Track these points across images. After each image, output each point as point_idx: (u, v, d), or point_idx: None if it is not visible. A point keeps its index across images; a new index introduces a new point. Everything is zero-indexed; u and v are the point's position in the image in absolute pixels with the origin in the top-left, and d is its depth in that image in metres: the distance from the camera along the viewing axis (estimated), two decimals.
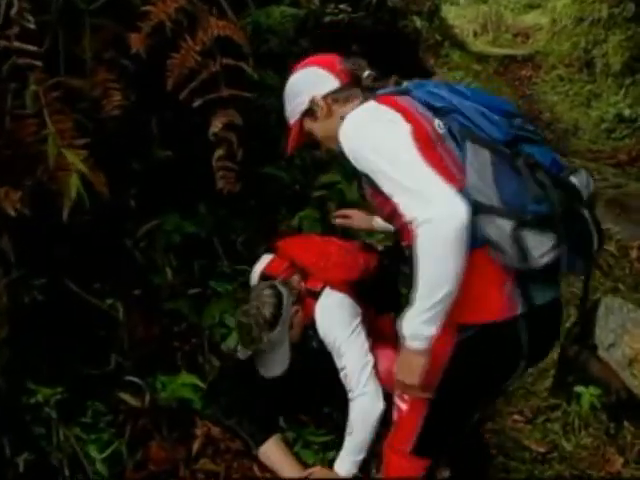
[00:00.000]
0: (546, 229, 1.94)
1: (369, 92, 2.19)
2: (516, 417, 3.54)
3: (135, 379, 2.75)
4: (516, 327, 2.00)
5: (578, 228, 1.98)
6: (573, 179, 2.01)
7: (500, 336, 2.02)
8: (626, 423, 3.48)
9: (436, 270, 1.84)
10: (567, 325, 4.08)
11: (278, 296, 2.68)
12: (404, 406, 2.17)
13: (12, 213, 2.12)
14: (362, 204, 4.16)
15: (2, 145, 2.18)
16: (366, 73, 2.26)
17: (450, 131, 2.00)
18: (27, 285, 2.48)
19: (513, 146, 2.00)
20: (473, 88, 2.25)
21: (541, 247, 1.93)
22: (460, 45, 10.82)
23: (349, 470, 2.63)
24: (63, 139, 2.26)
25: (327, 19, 5.15)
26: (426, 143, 1.95)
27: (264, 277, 2.84)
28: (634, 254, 4.95)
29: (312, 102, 2.24)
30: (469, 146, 1.97)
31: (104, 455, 2.50)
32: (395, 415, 2.24)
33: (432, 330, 1.89)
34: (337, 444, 2.84)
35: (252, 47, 2.75)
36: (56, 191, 2.29)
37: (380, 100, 2.08)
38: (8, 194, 2.10)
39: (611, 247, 4.96)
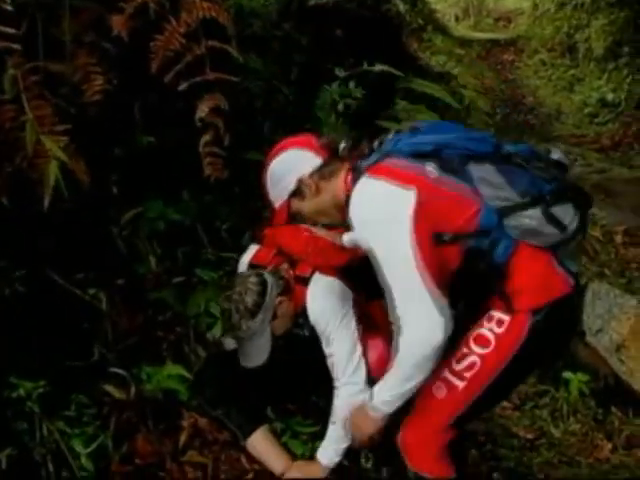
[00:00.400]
0: (563, 200, 2.16)
1: (355, 162, 2.28)
2: (504, 404, 3.52)
3: (119, 371, 2.68)
4: (574, 299, 2.25)
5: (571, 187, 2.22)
6: (555, 156, 2.27)
7: (566, 310, 2.23)
8: (614, 409, 3.52)
9: (412, 371, 2.17)
10: None
11: (263, 284, 2.60)
12: (460, 383, 2.23)
13: None
14: None
15: None
16: (342, 145, 2.36)
17: (444, 168, 2.15)
18: (8, 276, 2.41)
19: (501, 149, 2.22)
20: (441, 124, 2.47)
21: (567, 216, 2.16)
22: (442, 29, 10.77)
23: (332, 458, 2.60)
24: (42, 125, 2.19)
25: (311, 2, 5.07)
26: (428, 197, 2.10)
27: (252, 267, 2.78)
28: (619, 239, 4.98)
29: (300, 182, 2.34)
30: (472, 167, 2.16)
31: (89, 449, 2.42)
32: (441, 390, 2.27)
33: (395, 407, 2.26)
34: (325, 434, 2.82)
35: (236, 30, 2.68)
36: (35, 179, 2.22)
37: (373, 173, 2.16)
38: None
39: (596, 232, 4.98)
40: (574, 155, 6.36)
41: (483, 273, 2.18)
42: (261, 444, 2.78)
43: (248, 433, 2.77)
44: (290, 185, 2.37)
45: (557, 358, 2.43)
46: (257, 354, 2.65)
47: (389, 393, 2.25)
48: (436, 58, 8.51)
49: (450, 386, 2.24)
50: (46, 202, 2.20)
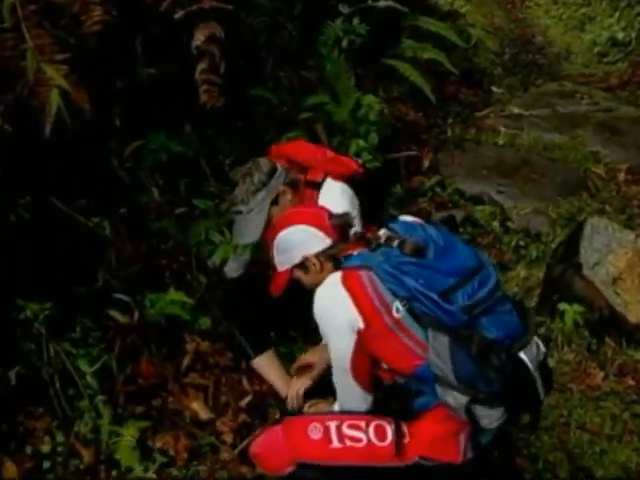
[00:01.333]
0: (496, 403, 2.24)
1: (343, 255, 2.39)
2: None
3: (123, 297, 2.78)
4: (466, 466, 2.31)
5: (527, 390, 2.25)
6: (522, 355, 2.21)
7: (454, 473, 2.33)
8: (607, 339, 3.56)
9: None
10: (553, 245, 4.15)
11: (273, 167, 2.80)
12: (337, 443, 2.34)
13: None
14: (349, 125, 4.17)
15: None
16: (352, 230, 2.47)
17: (412, 311, 2.21)
18: (13, 203, 2.48)
19: (471, 326, 2.20)
20: (448, 244, 2.35)
21: (490, 417, 2.25)
22: None
23: None
24: (42, 54, 2.22)
25: None
26: (378, 334, 2.24)
27: None
28: (622, 177, 4.96)
29: (306, 259, 2.42)
30: (430, 332, 2.20)
31: (94, 369, 2.54)
32: (316, 433, 2.36)
33: None
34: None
35: None
36: (37, 107, 2.26)
37: (344, 279, 2.27)
38: None
39: (599, 170, 4.97)
40: (581, 94, 6.30)
41: (401, 403, 2.36)
42: (268, 365, 2.95)
43: (257, 353, 2.91)
44: (296, 259, 2.44)
45: None
46: (250, 232, 2.82)
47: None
48: None
49: (326, 437, 2.33)
50: (47, 130, 2.25)
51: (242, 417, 2.78)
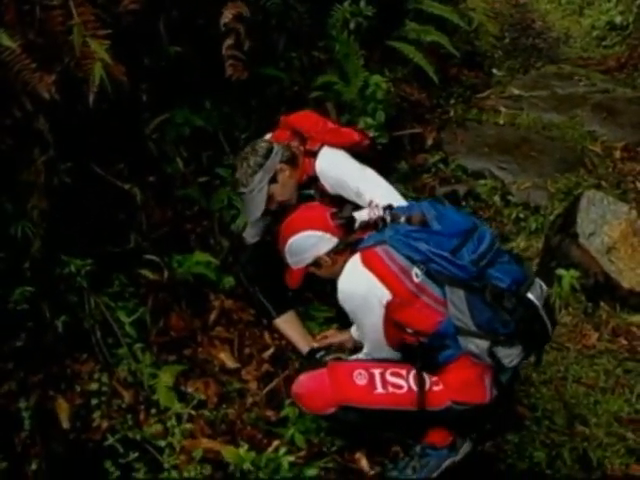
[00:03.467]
0: (514, 342, 2.47)
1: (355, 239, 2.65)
2: None
3: (153, 257, 2.99)
4: (491, 406, 2.56)
5: (537, 327, 2.50)
6: (530, 295, 2.48)
7: (481, 412, 2.60)
8: (602, 303, 3.78)
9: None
10: (551, 218, 4.36)
11: (269, 149, 3.02)
12: (380, 389, 2.58)
13: (46, 96, 2.31)
14: (358, 103, 4.36)
15: (35, 33, 2.35)
16: (357, 225, 2.70)
17: (429, 273, 2.44)
18: (55, 168, 2.68)
19: (481, 277, 2.45)
20: (441, 213, 2.60)
21: (511, 356, 2.48)
22: None
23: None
24: (87, 29, 2.42)
25: None
26: (403, 301, 2.47)
27: None
28: (618, 154, 5.15)
29: (317, 259, 2.69)
30: (447, 288, 2.44)
31: (131, 320, 2.76)
32: (362, 379, 2.58)
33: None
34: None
35: None
36: (81, 79, 2.47)
37: (364, 259, 2.50)
38: (42, 78, 2.28)
39: (596, 148, 5.17)
40: (579, 76, 6.49)
41: (427, 360, 2.56)
42: (290, 324, 3.17)
43: (279, 313, 3.13)
44: (308, 260, 2.72)
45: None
46: (254, 209, 3.05)
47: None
48: None
49: (371, 383, 2.55)
50: (91, 99, 2.46)
51: (265, 367, 3.00)
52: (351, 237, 2.68)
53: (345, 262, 2.60)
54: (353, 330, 2.97)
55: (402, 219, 2.56)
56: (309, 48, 4.52)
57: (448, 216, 2.59)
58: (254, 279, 3.18)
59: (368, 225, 2.67)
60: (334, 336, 3.13)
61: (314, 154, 3.05)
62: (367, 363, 2.63)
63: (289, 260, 2.77)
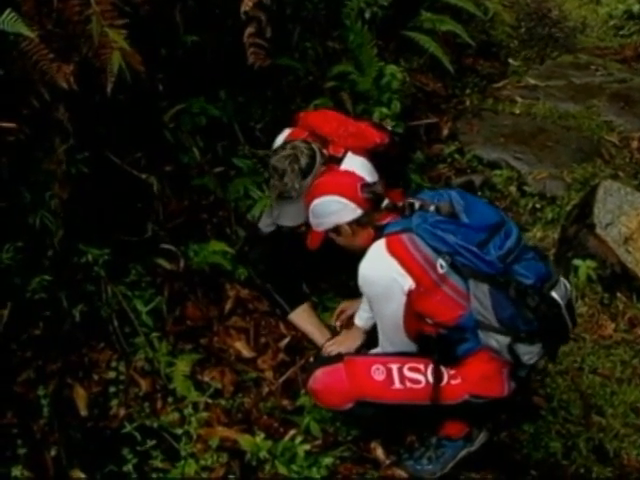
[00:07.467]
0: (535, 340, 2.45)
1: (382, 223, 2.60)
2: None
3: (170, 246, 3.00)
4: (507, 400, 2.57)
5: (558, 326, 2.49)
6: (554, 294, 2.45)
7: (498, 404, 2.60)
8: (619, 294, 3.75)
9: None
10: (567, 208, 4.34)
11: (313, 150, 2.90)
12: (398, 384, 2.57)
13: (64, 86, 2.31)
14: (373, 93, 4.35)
15: (52, 23, 2.35)
16: (385, 203, 2.64)
17: (454, 265, 2.43)
18: (73, 158, 2.70)
19: (506, 273, 2.43)
20: (470, 204, 2.57)
21: (531, 353, 2.48)
22: None
23: (366, 320, 2.90)
24: (105, 19, 2.42)
25: None
26: (426, 291, 2.45)
27: None
28: (635, 144, 5.11)
29: (339, 226, 2.65)
30: (471, 282, 2.43)
31: (148, 309, 2.78)
32: (379, 375, 2.58)
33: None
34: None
35: None
36: (99, 68, 2.48)
37: (388, 245, 2.47)
38: (61, 68, 2.29)
39: (613, 138, 5.12)
40: (596, 66, 6.44)
41: (445, 352, 2.56)
42: (305, 317, 3.15)
43: (294, 306, 3.13)
44: (329, 225, 2.68)
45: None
46: (297, 216, 2.92)
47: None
48: None
49: (389, 379, 2.54)
50: (109, 88, 2.46)
51: (281, 356, 3.01)
52: (376, 213, 2.64)
53: (365, 237, 2.60)
54: (357, 320, 2.94)
55: (432, 208, 2.53)
56: (324, 38, 4.51)
57: (477, 209, 2.57)
58: (266, 275, 3.17)
59: (395, 207, 2.63)
60: (350, 307, 3.12)
61: (338, 161, 2.95)
62: (385, 358, 2.61)
63: (311, 220, 2.74)
